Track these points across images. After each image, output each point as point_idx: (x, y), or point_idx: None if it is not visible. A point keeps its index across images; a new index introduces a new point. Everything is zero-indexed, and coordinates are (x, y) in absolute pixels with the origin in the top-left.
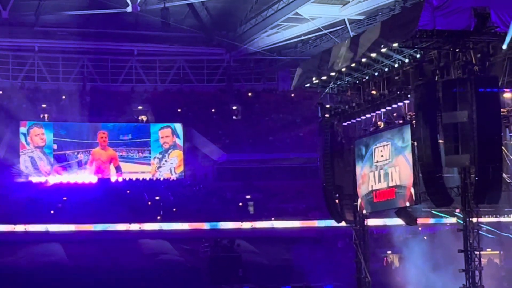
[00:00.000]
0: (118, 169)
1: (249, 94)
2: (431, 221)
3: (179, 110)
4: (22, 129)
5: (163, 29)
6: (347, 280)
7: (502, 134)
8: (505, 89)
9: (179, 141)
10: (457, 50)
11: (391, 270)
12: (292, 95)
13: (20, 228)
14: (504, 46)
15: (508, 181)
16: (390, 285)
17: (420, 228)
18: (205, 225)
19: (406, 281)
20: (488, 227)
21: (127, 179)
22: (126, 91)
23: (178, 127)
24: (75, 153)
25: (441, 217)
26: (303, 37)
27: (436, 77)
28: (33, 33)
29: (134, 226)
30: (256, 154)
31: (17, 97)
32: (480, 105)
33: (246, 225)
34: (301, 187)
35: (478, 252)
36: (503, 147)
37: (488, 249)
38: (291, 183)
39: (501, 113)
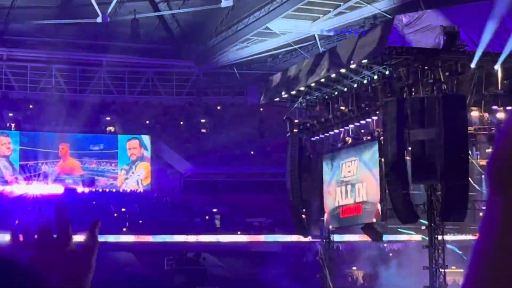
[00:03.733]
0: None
1: (218, 107)
2: (396, 237)
3: (147, 122)
4: None
5: (132, 40)
6: None
7: (469, 152)
8: (472, 108)
9: (147, 153)
10: (426, 67)
11: (356, 286)
12: (261, 109)
13: None
14: (473, 65)
15: (474, 199)
16: None
17: (385, 245)
18: (173, 238)
19: None
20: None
21: (93, 190)
22: (95, 101)
23: (146, 139)
24: (40, 164)
25: (407, 234)
26: (273, 52)
27: (405, 94)
28: (2, 42)
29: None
30: (223, 167)
31: None
32: (448, 123)
33: (212, 238)
34: (268, 201)
35: (443, 270)
36: (469, 165)
37: (453, 267)
38: (258, 197)
39: (468, 132)
